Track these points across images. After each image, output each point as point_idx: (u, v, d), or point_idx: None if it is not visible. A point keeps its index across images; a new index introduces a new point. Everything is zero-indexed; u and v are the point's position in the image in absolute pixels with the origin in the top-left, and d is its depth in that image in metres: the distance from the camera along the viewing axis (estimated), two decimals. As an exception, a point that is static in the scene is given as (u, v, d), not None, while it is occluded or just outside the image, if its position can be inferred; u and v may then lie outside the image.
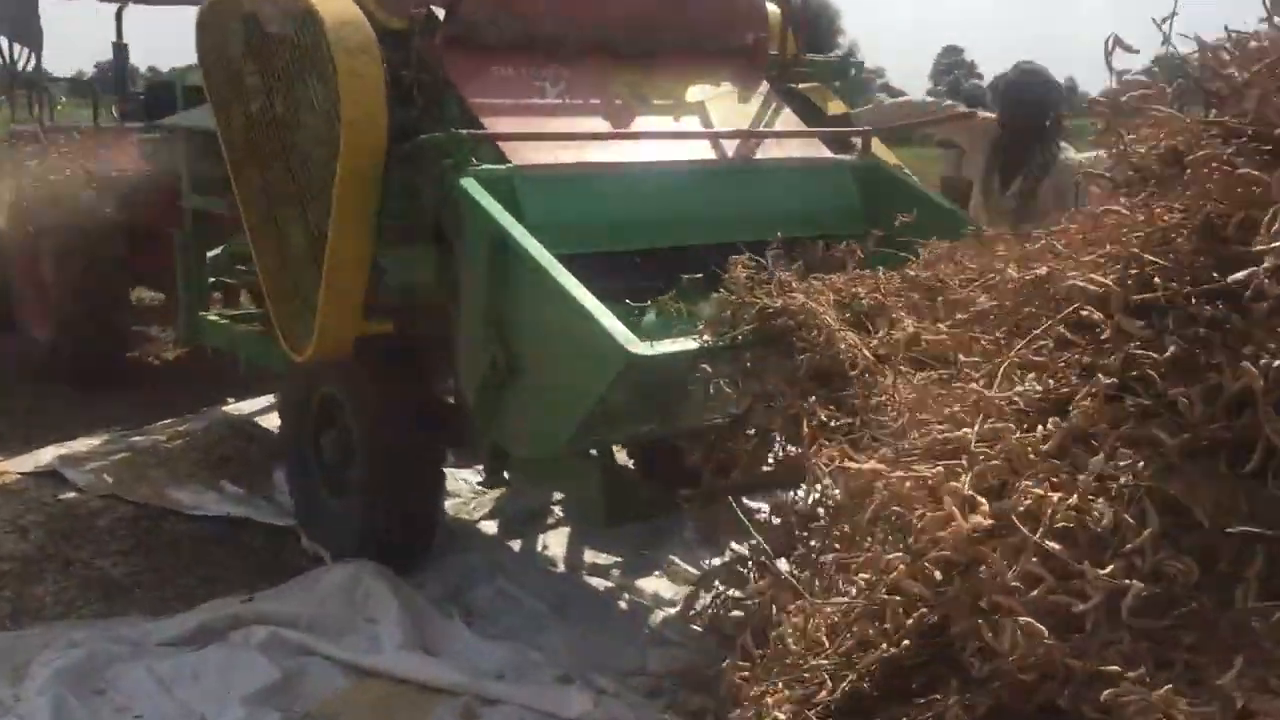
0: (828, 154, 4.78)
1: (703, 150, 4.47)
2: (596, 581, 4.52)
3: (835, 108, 5.16)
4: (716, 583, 4.16)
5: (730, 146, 4.52)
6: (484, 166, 3.87)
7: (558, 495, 5.27)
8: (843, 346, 3.21)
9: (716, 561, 4.63)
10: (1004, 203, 4.82)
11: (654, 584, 4.51)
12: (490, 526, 5.11)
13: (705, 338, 3.34)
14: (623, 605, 4.34)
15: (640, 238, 4.16)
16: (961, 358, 3.11)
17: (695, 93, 4.71)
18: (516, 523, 5.10)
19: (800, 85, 5.17)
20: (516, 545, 4.90)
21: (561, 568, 4.68)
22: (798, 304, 3.33)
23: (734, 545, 4.73)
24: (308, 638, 3.90)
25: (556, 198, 3.99)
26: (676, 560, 4.63)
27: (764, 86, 4.91)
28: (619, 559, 4.72)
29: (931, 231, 4.42)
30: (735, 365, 3.36)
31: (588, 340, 3.26)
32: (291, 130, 4.20)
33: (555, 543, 4.89)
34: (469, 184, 3.75)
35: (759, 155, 4.55)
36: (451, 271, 4.05)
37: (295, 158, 4.24)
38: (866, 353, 3.18)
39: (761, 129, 4.69)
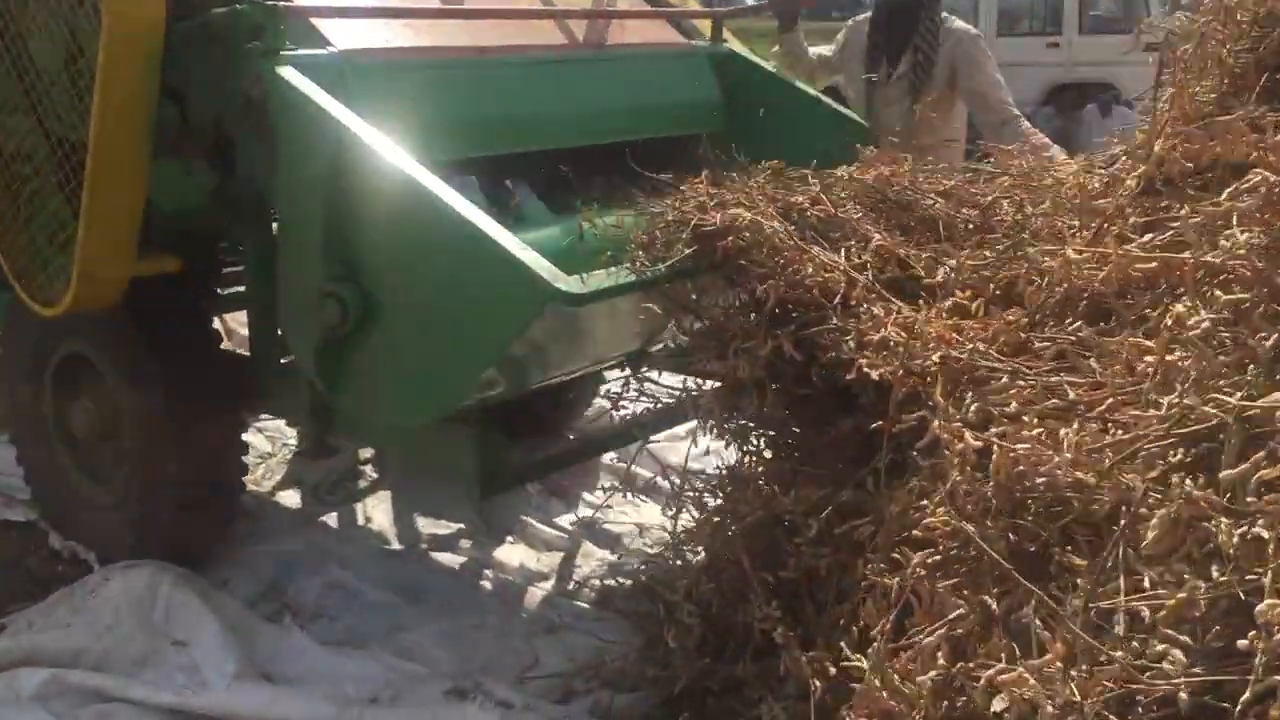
0: (680, 38, 4.12)
1: (548, 33, 3.70)
2: (445, 559, 3.77)
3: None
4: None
5: (578, 29, 3.77)
6: (303, 51, 2.97)
7: (365, 451, 4.45)
8: (810, 269, 2.61)
9: (570, 520, 4.02)
10: (894, 87, 4.31)
11: (511, 553, 3.82)
12: (291, 498, 4.23)
13: (637, 265, 2.65)
14: (486, 586, 3.63)
15: (493, 140, 3.39)
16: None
17: (526, -39, 3.91)
18: (323, 491, 4.25)
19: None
20: (332, 520, 4.06)
21: (396, 544, 3.90)
22: (744, 219, 2.70)
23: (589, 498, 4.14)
24: (102, 679, 2.98)
25: (395, 93, 3.14)
26: (530, 521, 3.95)
27: (598, -41, 4.17)
28: (460, 526, 3.99)
29: (805, 128, 3.92)
30: (675, 297, 2.71)
31: (496, 276, 2.52)
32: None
33: (379, 512, 4.09)
34: (289, 74, 2.86)
35: (610, 40, 3.83)
36: (251, 191, 3.16)
37: (10, 40, 3.16)
38: (843, 276, 2.60)
39: (607, 8, 3.95)
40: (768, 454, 2.78)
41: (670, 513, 2.99)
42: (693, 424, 2.89)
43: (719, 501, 2.86)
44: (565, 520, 4.04)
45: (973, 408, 2.00)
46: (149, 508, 3.50)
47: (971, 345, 2.21)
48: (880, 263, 2.71)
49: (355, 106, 2.85)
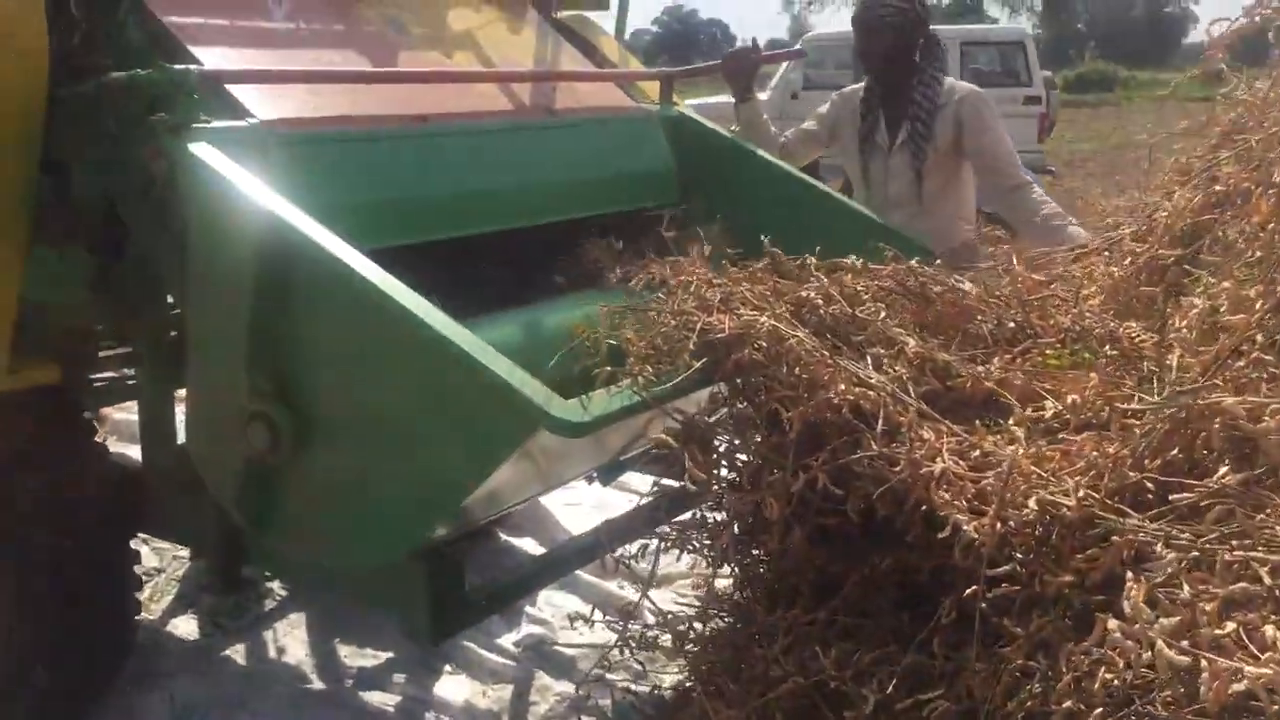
0: (628, 101, 3.73)
1: (492, 99, 3.26)
2: (376, 700, 3.25)
3: (608, 45, 4.11)
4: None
5: (523, 93, 3.35)
6: (219, 123, 2.48)
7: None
8: (842, 386, 2.23)
9: (514, 640, 3.55)
10: (896, 157, 3.95)
11: (453, 687, 3.33)
12: (187, 625, 3.65)
13: (637, 381, 2.23)
14: (427, 733, 3.13)
15: (441, 223, 2.93)
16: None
17: (457, 19, 3.47)
18: (224, 616, 3.68)
19: (561, 14, 4.07)
20: (239, 653, 3.50)
21: (317, 681, 3.36)
22: (760, 326, 2.30)
23: (532, 611, 3.67)
24: None
25: (324, 169, 2.67)
26: (470, 646, 3.46)
27: (532, 14, 3.76)
28: (390, 654, 3.47)
29: (768, 200, 3.56)
30: (689, 426, 2.29)
31: (478, 401, 2.07)
32: None
33: (293, 642, 3.54)
34: (203, 151, 2.37)
35: (559, 105, 3.41)
36: (145, 278, 2.67)
37: None
38: (881, 394, 2.22)
39: (548, 70, 3.55)
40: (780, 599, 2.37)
41: (632, 638, 2.59)
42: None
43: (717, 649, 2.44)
44: (509, 640, 3.56)
45: (1135, 592, 1.62)
46: (25, 657, 2.91)
47: (1076, 489, 1.83)
48: (915, 372, 2.34)
49: (282, 186, 2.38)
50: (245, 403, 2.33)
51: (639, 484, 4.18)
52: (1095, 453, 1.93)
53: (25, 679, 2.88)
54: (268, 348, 2.33)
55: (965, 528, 1.84)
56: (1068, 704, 1.65)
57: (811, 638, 2.20)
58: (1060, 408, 2.12)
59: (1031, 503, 1.86)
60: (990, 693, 1.85)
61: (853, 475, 2.18)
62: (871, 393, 2.22)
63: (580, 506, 4.33)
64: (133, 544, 3.50)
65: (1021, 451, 2.01)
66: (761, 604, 2.32)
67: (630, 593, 3.85)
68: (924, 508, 2.10)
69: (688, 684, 3.00)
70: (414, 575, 2.51)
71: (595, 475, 2.93)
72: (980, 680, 1.88)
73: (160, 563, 3.92)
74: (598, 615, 3.34)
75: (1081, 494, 1.83)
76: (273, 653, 3.48)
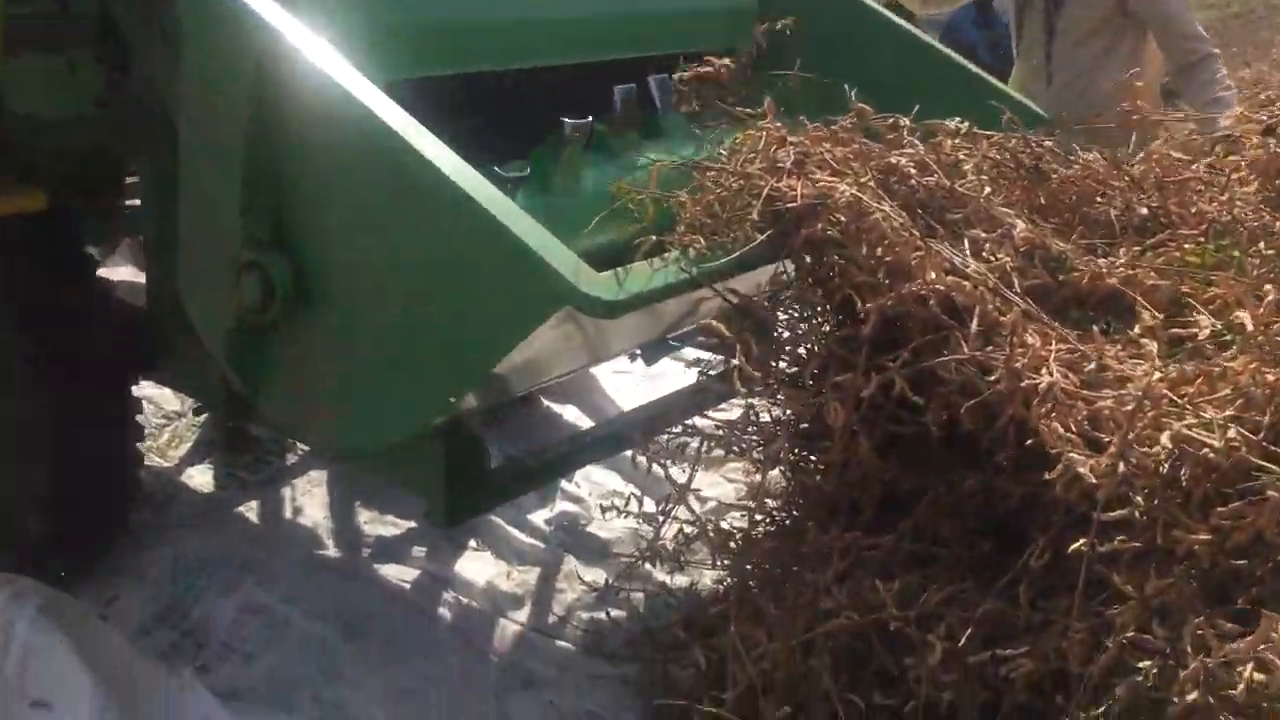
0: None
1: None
2: (393, 574, 3.01)
3: None
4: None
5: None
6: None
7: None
8: (933, 275, 1.86)
9: (546, 519, 3.29)
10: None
11: (476, 567, 3.08)
12: (203, 476, 3.44)
13: (684, 255, 1.88)
14: (445, 615, 2.89)
15: (474, 54, 2.55)
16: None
17: None
18: (243, 468, 3.46)
19: None
20: (253, 511, 3.28)
21: (332, 548, 3.13)
22: (841, 196, 1.93)
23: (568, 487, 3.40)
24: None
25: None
26: (498, 523, 3.21)
27: None
28: (412, 524, 3.23)
29: (870, 52, 3.12)
30: (745, 310, 1.95)
31: (496, 266, 1.74)
32: None
33: (311, 503, 3.31)
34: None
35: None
36: (152, 97, 2.36)
37: None
38: (980, 287, 1.85)
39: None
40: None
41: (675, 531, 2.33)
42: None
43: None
44: (540, 519, 3.30)
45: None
46: (11, 508, 2.70)
47: (1224, 425, 1.47)
48: (1023, 262, 1.96)
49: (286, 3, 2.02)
50: (237, 251, 2.03)
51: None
52: (1250, 379, 1.55)
53: (18, 528, 2.68)
54: (266, 189, 2.01)
55: (1079, 468, 1.48)
56: (1193, 697, 1.32)
57: (871, 566, 1.89)
58: (1208, 319, 1.74)
59: (1164, 438, 1.51)
60: (1088, 660, 1.53)
61: (936, 381, 1.85)
62: (967, 284, 1.86)
63: (630, 375, 4.02)
64: (148, 387, 3.30)
65: (1154, 370, 1.64)
66: (815, 521, 2.01)
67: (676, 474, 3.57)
68: (1022, 427, 1.76)
69: (726, 586, 2.78)
70: (428, 453, 2.23)
71: (640, 353, 2.61)
72: (1076, 643, 1.56)
73: (180, 406, 3.69)
74: (637, 499, 3.09)
75: (1231, 432, 1.47)
76: (288, 513, 3.26)
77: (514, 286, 1.73)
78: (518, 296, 1.74)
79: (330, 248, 1.98)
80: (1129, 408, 1.54)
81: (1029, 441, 1.76)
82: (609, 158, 2.48)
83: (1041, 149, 2.15)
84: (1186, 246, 1.94)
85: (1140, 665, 1.41)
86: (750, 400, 2.02)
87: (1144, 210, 2.04)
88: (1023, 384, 1.70)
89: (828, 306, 1.92)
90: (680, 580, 2.93)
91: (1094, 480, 1.47)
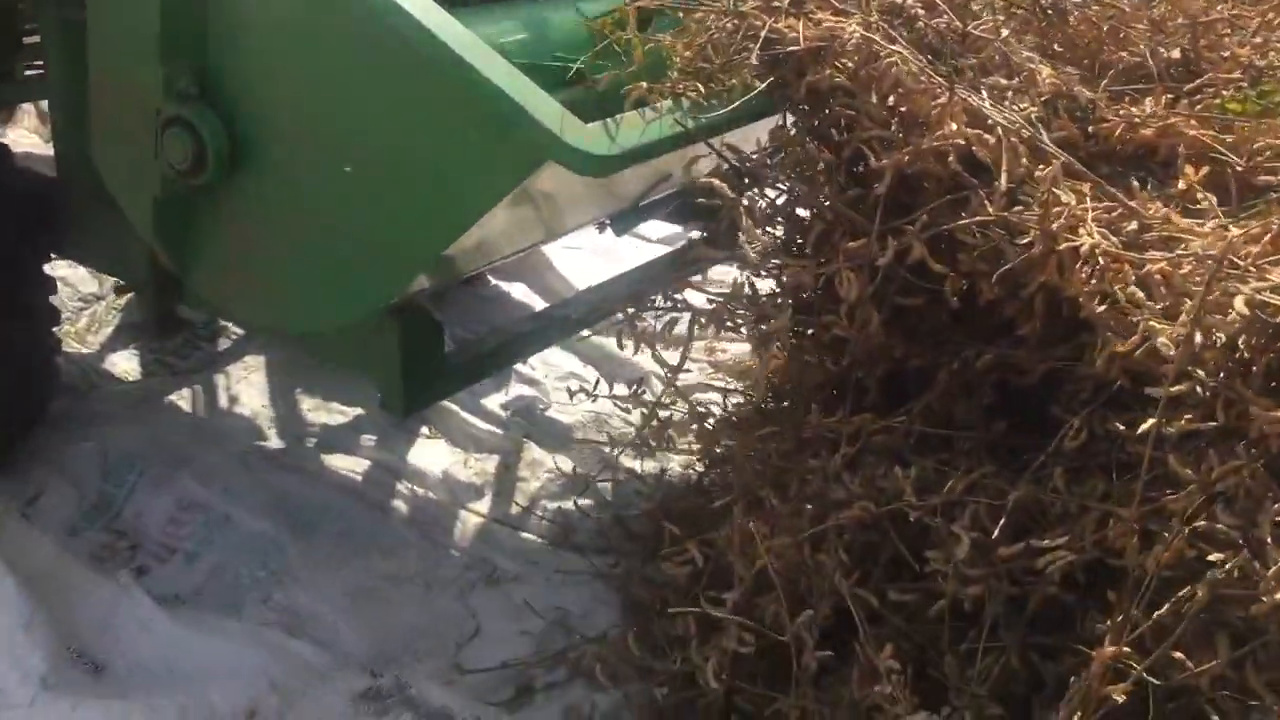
0: None
1: None
2: (341, 465, 2.81)
3: None
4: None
5: None
6: None
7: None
8: (954, 126, 1.67)
9: (502, 403, 3.09)
10: None
11: (430, 455, 2.88)
12: (128, 361, 3.18)
13: (679, 104, 1.66)
14: (400, 508, 2.70)
15: None
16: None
17: None
18: (172, 354, 3.20)
19: None
20: (185, 399, 3.04)
21: (274, 439, 2.91)
22: (849, 35, 1.71)
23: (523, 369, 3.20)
24: None
25: None
26: (453, 409, 3.00)
27: None
28: (360, 411, 3.02)
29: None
30: (744, 169, 1.74)
31: (467, 118, 1.51)
32: None
33: (248, 389, 3.08)
34: None
35: None
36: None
37: None
38: (1007, 139, 1.66)
39: None
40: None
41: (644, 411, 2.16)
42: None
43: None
44: (496, 403, 3.11)
45: None
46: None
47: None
48: (1047, 112, 1.76)
49: None
50: (157, 103, 1.76)
51: (653, 231, 3.65)
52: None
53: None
54: (187, 31, 1.74)
55: (1159, 339, 1.31)
56: (1281, 595, 1.18)
57: (881, 451, 1.72)
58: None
59: (1239, 303, 1.33)
60: (1138, 552, 1.38)
61: (955, 246, 1.66)
62: (990, 137, 1.66)
63: (581, 251, 3.80)
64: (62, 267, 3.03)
65: (1218, 229, 1.47)
66: (816, 403, 1.83)
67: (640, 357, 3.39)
68: (1052, 295, 1.59)
69: (698, 468, 2.62)
70: (382, 337, 2.01)
71: (608, 222, 2.39)
72: (1123, 533, 1.41)
73: (99, 288, 3.41)
74: (597, 384, 2.92)
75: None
76: (224, 401, 3.02)
77: (490, 139, 1.50)
78: (495, 150, 1.51)
79: (270, 100, 1.73)
80: (1201, 270, 1.36)
81: (1062, 312, 1.60)
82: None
83: (1062, -13, 1.94)
84: (1225, 93, 1.75)
85: (1211, 558, 1.27)
86: (745, 271, 1.82)
87: (1175, 54, 1.85)
88: (1059, 247, 1.52)
89: (835, 164, 1.71)
90: (649, 465, 2.78)
91: (1171, 352, 1.30)
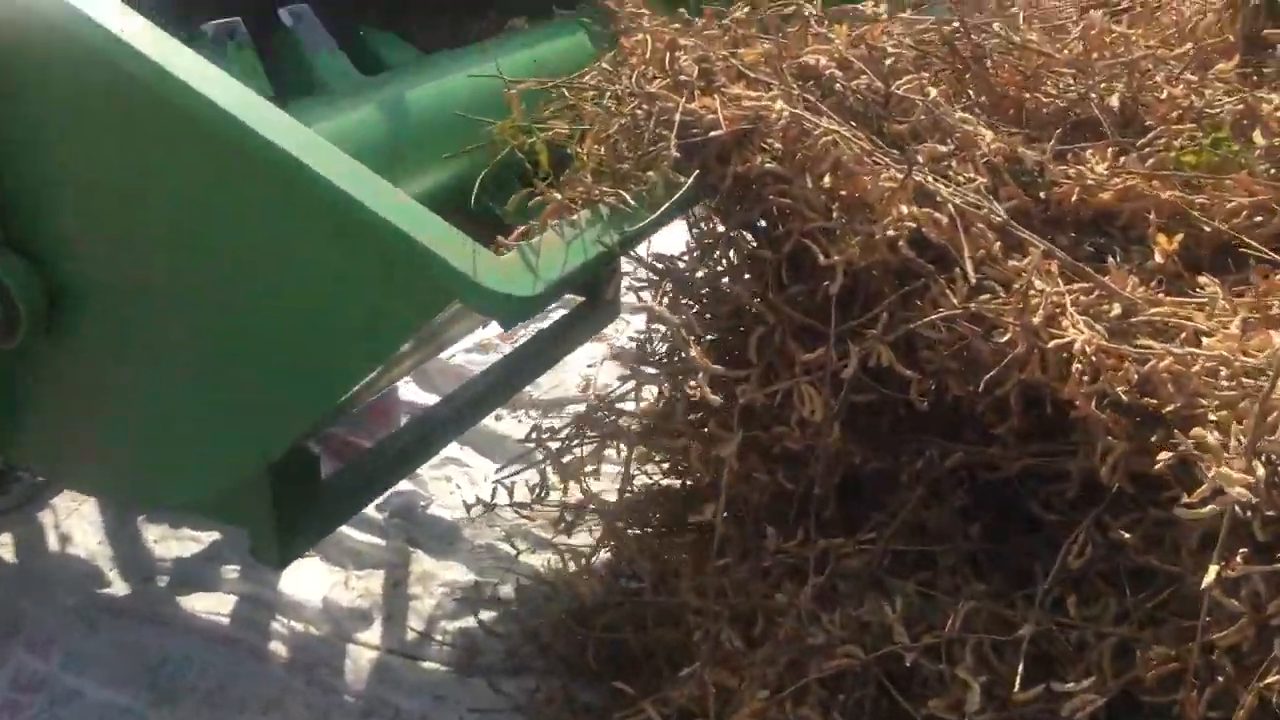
0: None
1: None
2: (200, 606, 2.46)
3: None
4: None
5: None
6: None
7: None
8: (905, 210, 1.49)
9: (375, 504, 2.79)
10: None
11: (304, 580, 2.55)
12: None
13: (598, 213, 1.43)
14: (277, 651, 2.37)
15: None
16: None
17: None
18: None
19: None
20: (6, 550, 2.63)
21: (118, 583, 2.54)
22: (775, 113, 1.51)
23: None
24: None
25: None
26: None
27: None
28: (213, 537, 2.67)
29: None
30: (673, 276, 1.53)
31: (353, 258, 1.25)
32: None
33: (80, 527, 2.69)
34: None
35: None
36: None
37: None
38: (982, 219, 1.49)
39: None
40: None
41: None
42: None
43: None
44: (370, 506, 2.78)
45: None
46: None
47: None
48: (992, 179, 1.59)
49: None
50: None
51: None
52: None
53: None
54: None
55: (1232, 488, 1.13)
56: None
57: (857, 576, 1.53)
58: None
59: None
60: (1183, 690, 1.22)
61: (916, 339, 1.48)
62: (941, 215, 1.48)
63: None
64: None
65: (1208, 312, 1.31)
66: (768, 520, 1.62)
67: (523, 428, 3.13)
68: (1031, 390, 1.42)
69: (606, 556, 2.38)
70: (252, 487, 1.70)
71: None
72: (1158, 669, 1.25)
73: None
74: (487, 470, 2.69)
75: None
76: (54, 542, 2.62)
77: (385, 284, 1.24)
78: (391, 297, 1.25)
79: (93, 241, 1.42)
80: (1223, 371, 1.20)
81: (1043, 407, 1.43)
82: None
83: (981, 30, 1.77)
84: (1176, 144, 1.62)
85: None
86: (676, 388, 1.60)
87: (1113, 102, 1.70)
88: (1046, 345, 1.35)
89: (774, 260, 1.50)
90: (553, 559, 2.53)
91: (1248, 499, 1.13)
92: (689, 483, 1.72)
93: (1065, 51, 1.80)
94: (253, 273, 1.34)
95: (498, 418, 3.20)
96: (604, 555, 2.45)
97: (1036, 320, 1.35)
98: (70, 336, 1.46)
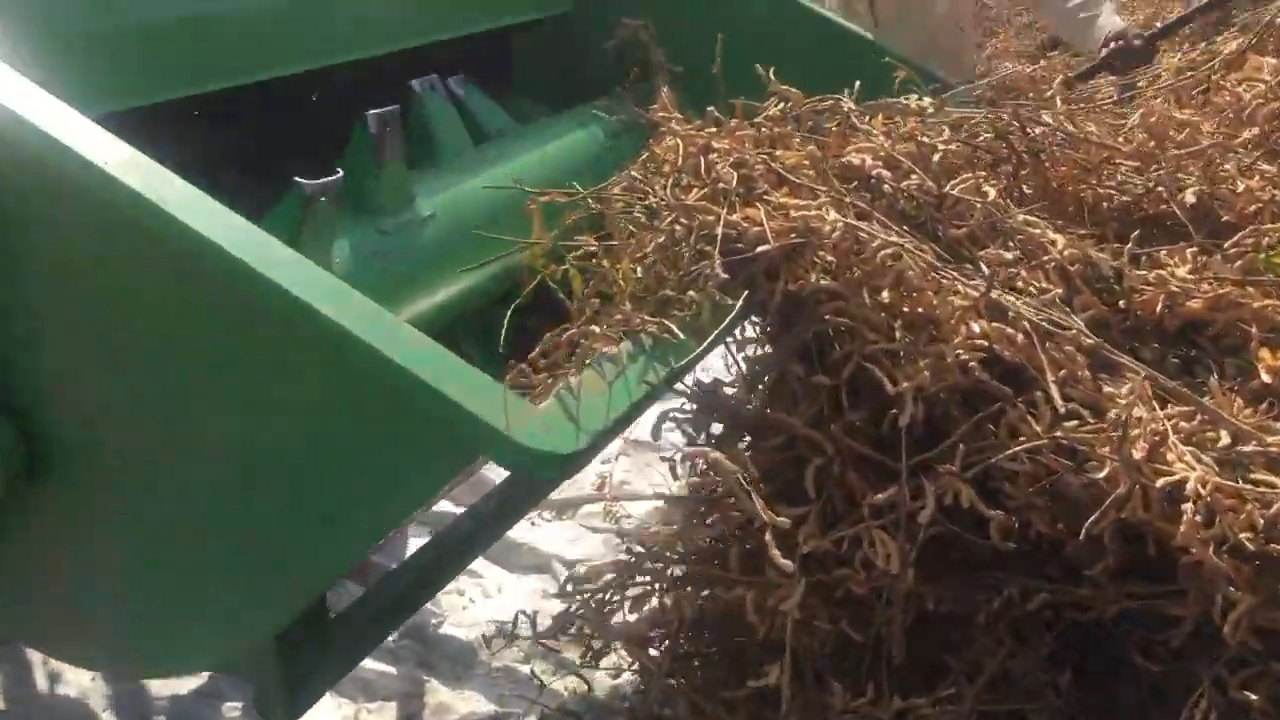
0: None
1: None
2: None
3: None
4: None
5: None
6: None
7: None
8: (976, 328, 1.35)
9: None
10: None
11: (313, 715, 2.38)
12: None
13: (641, 343, 1.28)
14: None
15: (208, 71, 1.83)
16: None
17: None
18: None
19: None
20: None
21: (109, 723, 2.35)
22: (829, 226, 1.38)
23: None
24: None
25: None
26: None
27: None
28: (203, 679, 2.49)
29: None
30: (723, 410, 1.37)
31: (386, 420, 1.10)
32: None
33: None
34: None
35: None
36: None
37: None
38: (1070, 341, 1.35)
39: None
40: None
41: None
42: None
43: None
44: (379, 629, 2.62)
45: None
46: None
47: None
48: (1066, 288, 1.45)
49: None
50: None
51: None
52: None
53: None
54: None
55: None
56: None
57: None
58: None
59: None
60: None
61: (997, 473, 1.32)
62: (1015, 331, 1.34)
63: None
64: None
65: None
66: (832, 675, 1.45)
67: (535, 533, 2.96)
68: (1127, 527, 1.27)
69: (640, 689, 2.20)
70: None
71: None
72: None
73: None
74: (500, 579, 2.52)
75: None
76: (42, 682, 2.45)
77: (410, 440, 1.09)
78: (417, 454, 1.10)
79: (77, 389, 1.27)
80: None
81: (1145, 547, 1.28)
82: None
83: (1036, 122, 1.64)
84: (1266, 244, 1.48)
85: None
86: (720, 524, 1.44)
87: (1189, 198, 1.56)
88: (1154, 483, 1.19)
89: (832, 387, 1.35)
90: (578, 684, 2.35)
91: None
92: (740, 637, 1.55)
93: (1127, 141, 1.67)
94: (255, 425, 1.20)
95: (533, 524, 3.05)
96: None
97: (1138, 454, 1.20)
98: (53, 495, 1.30)
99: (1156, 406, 1.28)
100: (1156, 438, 1.24)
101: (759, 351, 1.43)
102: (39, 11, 1.50)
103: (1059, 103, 1.80)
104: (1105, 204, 1.64)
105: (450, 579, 2.17)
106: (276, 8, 1.91)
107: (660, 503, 2.57)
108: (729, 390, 1.41)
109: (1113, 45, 2.72)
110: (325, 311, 1.08)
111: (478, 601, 2.79)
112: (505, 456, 1.05)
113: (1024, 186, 1.69)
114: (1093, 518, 1.20)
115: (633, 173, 1.50)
